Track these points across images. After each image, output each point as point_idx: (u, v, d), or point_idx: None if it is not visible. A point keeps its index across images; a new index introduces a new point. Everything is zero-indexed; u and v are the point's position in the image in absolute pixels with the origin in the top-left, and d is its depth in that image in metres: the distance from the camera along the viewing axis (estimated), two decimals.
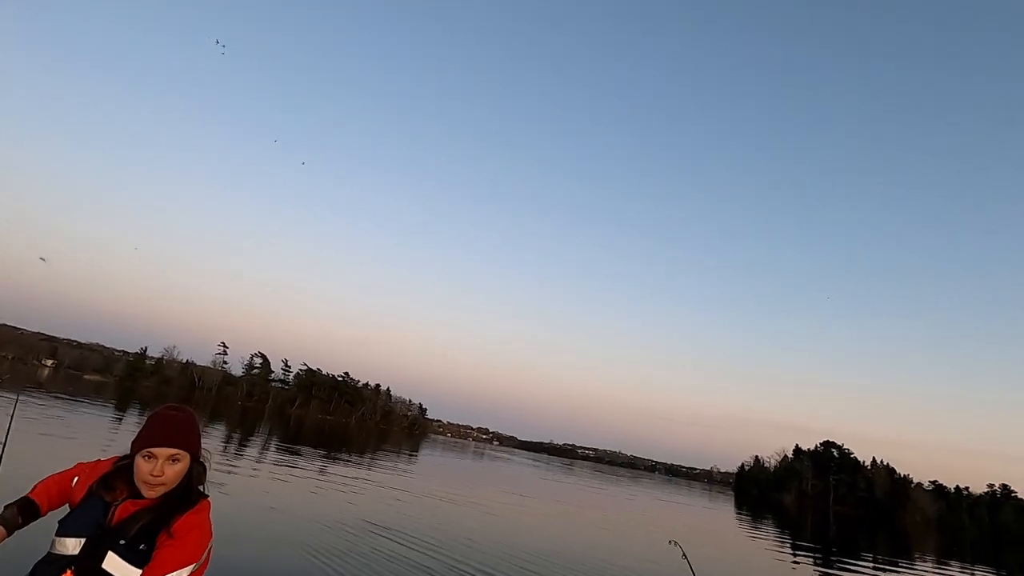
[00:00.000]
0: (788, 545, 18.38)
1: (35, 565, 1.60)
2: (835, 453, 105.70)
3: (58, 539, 1.60)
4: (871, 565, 16.36)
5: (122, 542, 1.59)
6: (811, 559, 14.98)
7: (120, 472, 1.69)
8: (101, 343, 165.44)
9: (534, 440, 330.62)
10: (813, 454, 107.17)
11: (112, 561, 1.58)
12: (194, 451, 1.76)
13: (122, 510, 1.64)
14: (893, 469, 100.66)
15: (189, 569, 1.63)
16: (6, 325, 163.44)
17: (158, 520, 1.64)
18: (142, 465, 1.65)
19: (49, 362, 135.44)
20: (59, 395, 29.24)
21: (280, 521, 8.31)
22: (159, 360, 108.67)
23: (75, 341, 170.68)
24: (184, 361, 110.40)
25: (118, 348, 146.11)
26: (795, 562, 13.86)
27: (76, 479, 1.73)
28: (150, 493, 1.66)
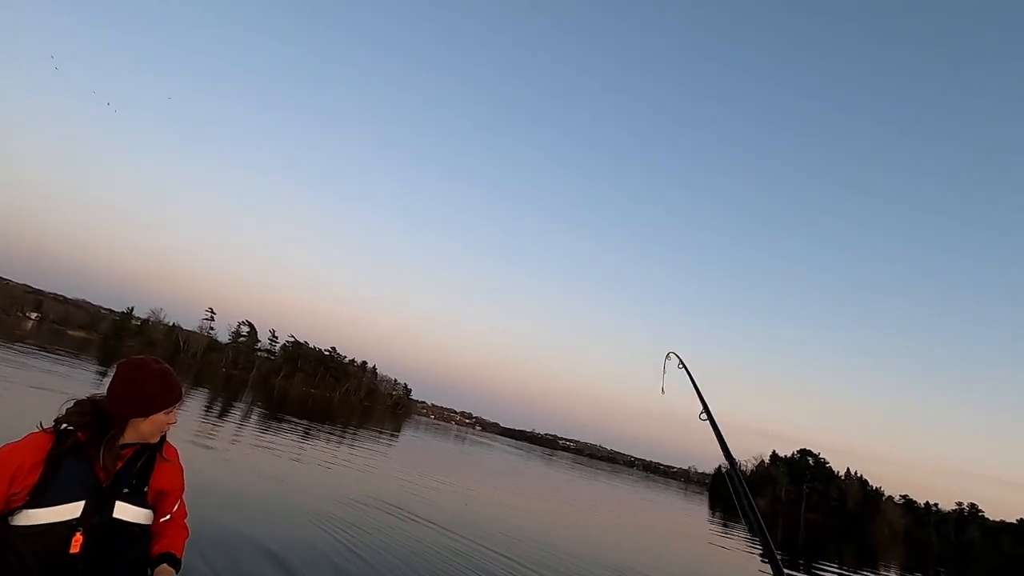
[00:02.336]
0: (757, 548, 18.64)
1: (14, 546, 1.56)
2: (811, 462, 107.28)
3: (43, 510, 1.60)
4: (836, 572, 16.65)
5: (126, 490, 1.78)
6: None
7: (97, 432, 1.75)
8: (87, 299, 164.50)
9: (516, 428, 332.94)
10: (789, 461, 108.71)
11: (123, 509, 1.76)
12: None
13: (114, 464, 1.77)
14: (866, 481, 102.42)
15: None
16: None
17: (150, 460, 1.89)
18: (162, 419, 1.86)
19: (33, 315, 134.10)
20: (44, 348, 28.97)
21: (280, 491, 8.31)
22: (145, 321, 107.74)
23: (61, 296, 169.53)
24: (170, 324, 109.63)
25: (104, 306, 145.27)
26: (762, 568, 14.04)
27: (8, 480, 1.59)
28: (155, 439, 1.89)
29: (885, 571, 21.22)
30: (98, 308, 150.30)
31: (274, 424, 19.89)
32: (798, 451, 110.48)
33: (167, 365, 1.91)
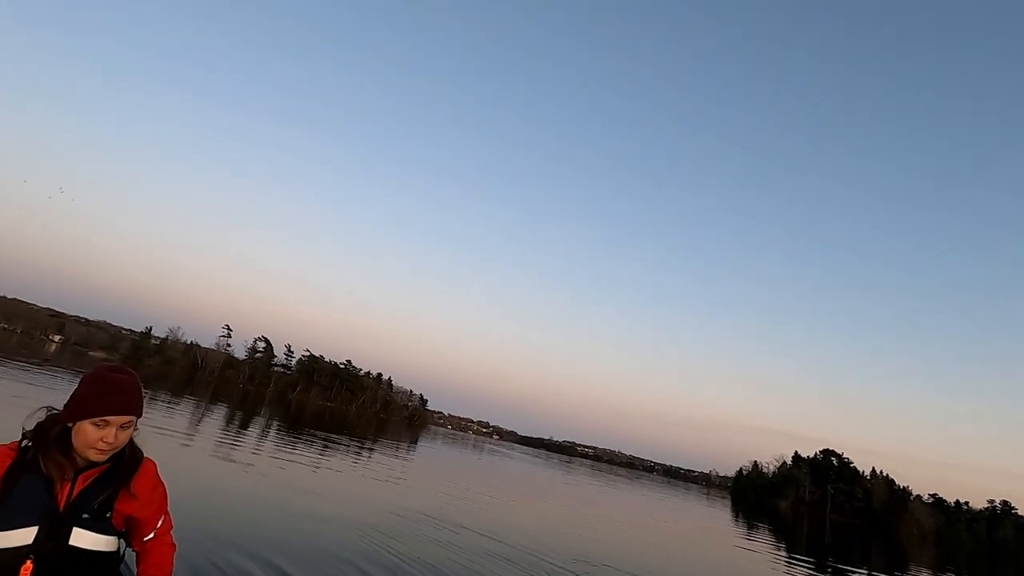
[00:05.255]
0: (782, 550, 18.34)
1: None
2: (834, 462, 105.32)
3: None
4: (866, 575, 16.32)
5: (85, 516, 1.60)
6: (804, 566, 14.94)
7: (55, 446, 1.60)
8: (108, 321, 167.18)
9: (534, 436, 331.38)
10: (812, 462, 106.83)
11: (81, 536, 1.58)
12: (141, 415, 1.75)
13: (74, 484, 1.61)
14: (892, 480, 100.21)
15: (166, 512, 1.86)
16: (17, 300, 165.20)
17: (117, 484, 1.67)
18: (91, 432, 1.60)
19: (56, 338, 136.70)
20: (65, 369, 29.52)
21: (316, 503, 8.38)
22: (163, 340, 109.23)
23: (83, 318, 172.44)
24: (188, 342, 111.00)
25: (124, 327, 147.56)
26: (787, 569, 13.82)
27: None
28: (99, 458, 1.64)
29: (916, 572, 20.75)
30: (118, 329, 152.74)
31: (294, 438, 20.04)
32: (821, 451, 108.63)
33: (124, 375, 1.70)
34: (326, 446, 19.69)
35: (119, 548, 1.73)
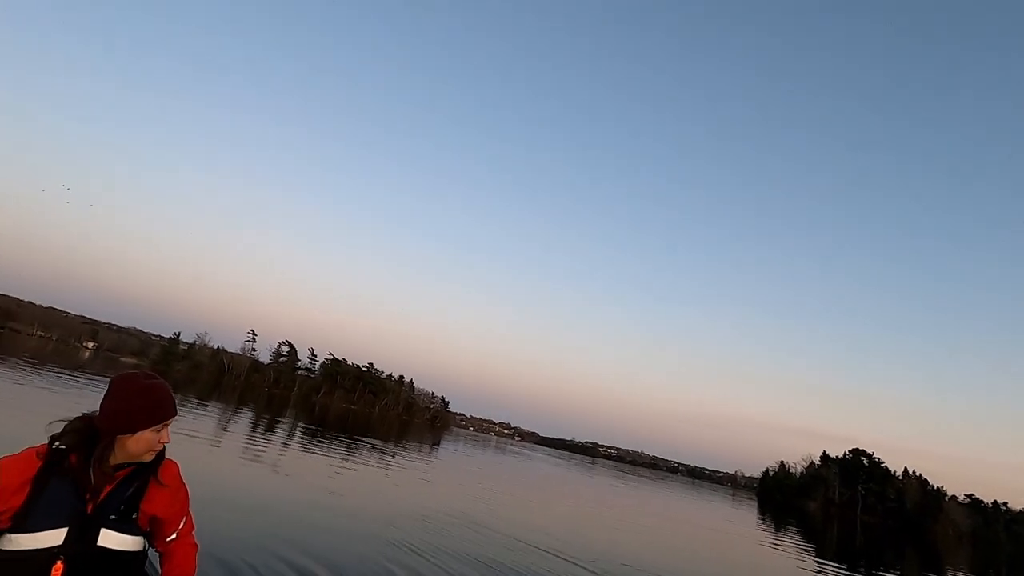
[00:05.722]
0: (812, 553, 17.98)
1: None
2: (864, 461, 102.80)
3: (25, 536, 1.55)
4: None
5: (112, 517, 1.67)
6: (835, 569, 14.61)
7: (105, 453, 1.68)
8: (138, 327, 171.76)
9: (556, 437, 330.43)
10: (841, 461, 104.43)
11: (108, 537, 1.66)
12: None
13: (102, 487, 1.68)
14: (926, 480, 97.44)
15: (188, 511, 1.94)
16: (52, 308, 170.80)
17: (142, 485, 1.76)
18: (151, 436, 1.73)
19: (90, 344, 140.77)
20: (99, 375, 30.38)
21: (344, 504, 8.54)
22: (191, 345, 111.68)
23: (114, 325, 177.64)
24: (215, 347, 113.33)
25: (154, 333, 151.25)
26: (818, 572, 13.54)
27: None
28: (150, 458, 1.77)
29: (952, 575, 20.14)
30: (148, 335, 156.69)
31: (319, 441, 20.32)
32: (850, 451, 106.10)
33: (160, 380, 1.81)
34: (350, 448, 19.92)
35: (144, 548, 1.79)
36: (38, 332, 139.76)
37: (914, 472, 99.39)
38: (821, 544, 22.86)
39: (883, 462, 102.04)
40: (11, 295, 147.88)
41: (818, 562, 15.57)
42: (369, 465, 15.84)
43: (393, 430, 47.88)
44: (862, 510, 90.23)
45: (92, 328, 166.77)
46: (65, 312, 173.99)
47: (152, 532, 1.83)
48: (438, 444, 41.63)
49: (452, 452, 35.34)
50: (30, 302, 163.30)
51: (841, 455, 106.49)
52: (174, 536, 1.86)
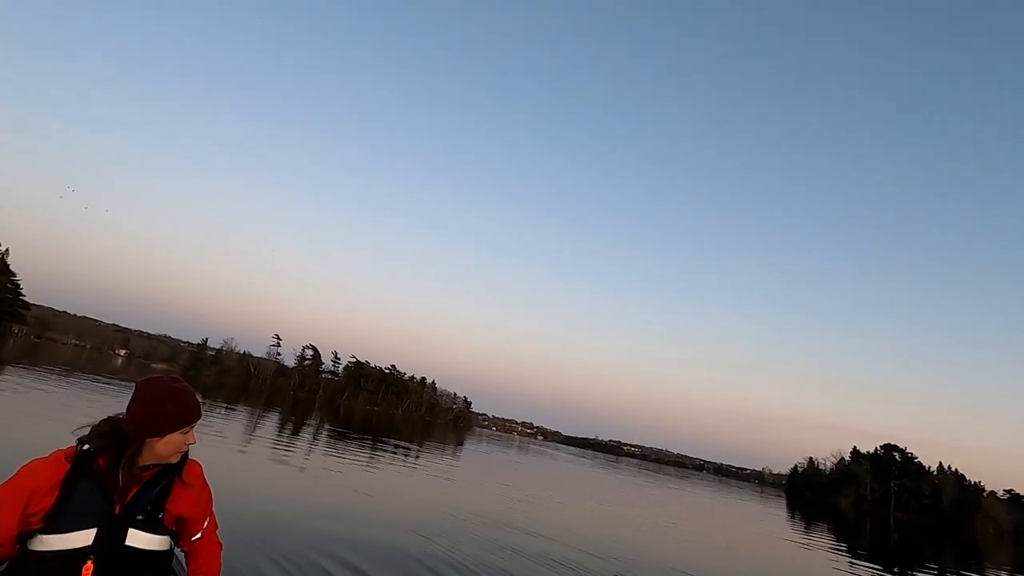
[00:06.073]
0: (844, 551, 17.59)
1: (29, 572, 1.58)
2: (896, 457, 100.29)
3: (56, 536, 1.59)
4: (937, 574, 15.46)
5: (139, 517, 1.73)
6: (870, 568, 14.27)
7: (115, 453, 1.70)
8: (168, 334, 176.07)
9: (579, 436, 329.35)
10: (872, 457, 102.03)
11: (136, 537, 1.71)
12: None
13: (130, 488, 1.73)
14: (963, 476, 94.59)
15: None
16: (86, 317, 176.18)
17: (168, 485, 1.82)
18: (179, 438, 1.78)
19: (122, 352, 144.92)
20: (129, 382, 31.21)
21: (373, 504, 8.69)
22: (219, 351, 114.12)
23: (145, 332, 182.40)
24: (241, 352, 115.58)
25: (183, 339, 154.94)
26: (850, 570, 13.24)
27: (24, 503, 1.60)
28: (176, 459, 1.83)
29: (995, 573, 19.49)
30: (177, 341, 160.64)
31: (345, 442, 20.57)
32: (881, 446, 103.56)
33: (185, 383, 1.85)
34: (375, 449, 20.11)
35: (171, 547, 1.84)
36: (73, 341, 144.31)
37: (950, 467, 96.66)
38: (854, 542, 22.35)
39: (916, 457, 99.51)
40: (47, 305, 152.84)
41: (851, 561, 15.22)
42: (394, 465, 15.98)
43: (417, 431, 48.22)
44: (895, 507, 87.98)
45: (124, 336, 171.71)
46: (98, 321, 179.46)
47: (178, 531, 1.88)
48: (461, 444, 41.81)
49: (476, 452, 35.46)
50: (65, 312, 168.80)
51: (872, 451, 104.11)
52: (199, 535, 1.91)
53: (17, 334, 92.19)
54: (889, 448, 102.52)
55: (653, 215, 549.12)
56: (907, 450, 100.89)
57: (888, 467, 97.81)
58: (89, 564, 1.61)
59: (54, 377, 22.80)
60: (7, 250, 63.08)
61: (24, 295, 70.33)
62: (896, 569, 15.21)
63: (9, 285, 64.01)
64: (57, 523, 1.60)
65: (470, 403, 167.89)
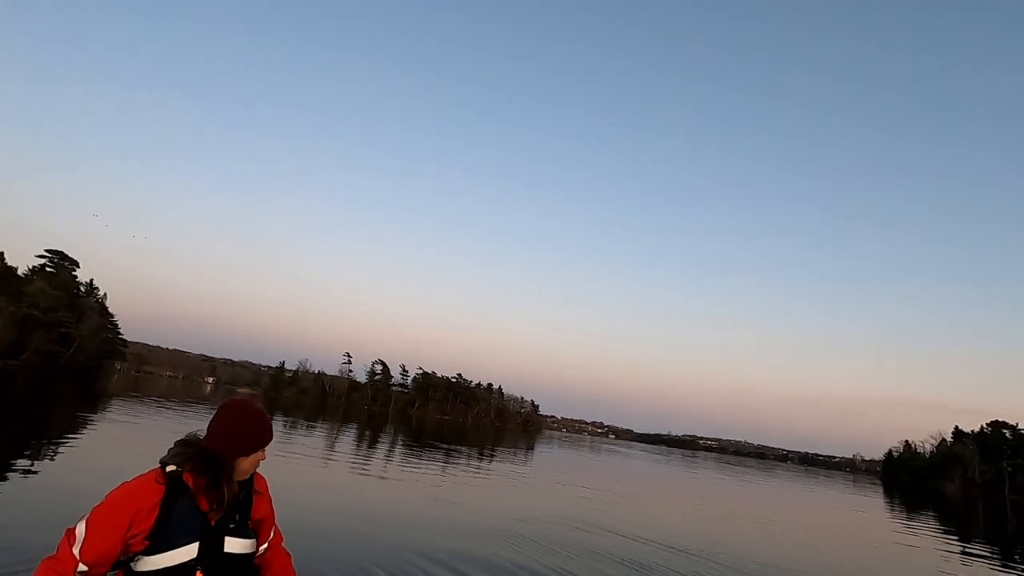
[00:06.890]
0: (954, 539, 16.26)
1: None
2: (1007, 434, 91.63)
3: (163, 555, 1.75)
4: None
5: (232, 525, 1.95)
6: (986, 557, 13.12)
7: (204, 471, 1.88)
8: (250, 360, 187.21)
9: (651, 432, 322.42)
10: (978, 436, 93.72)
11: (232, 543, 1.93)
12: None
13: (230, 502, 1.96)
14: None
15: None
16: (177, 349, 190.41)
17: (248, 494, 2.07)
18: (260, 456, 2.04)
19: (210, 379, 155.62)
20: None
21: (456, 511, 8.95)
22: (295, 372, 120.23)
23: (230, 360, 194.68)
24: (316, 372, 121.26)
25: (263, 363, 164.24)
26: (964, 560, 12.23)
27: (128, 523, 1.73)
28: (247, 475, 2.04)
29: None
30: (259, 366, 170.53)
31: (419, 451, 21.12)
32: (988, 424, 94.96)
33: (259, 405, 2.09)
34: (449, 456, 20.52)
35: (256, 548, 2.09)
36: (167, 372, 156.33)
37: None
38: (964, 528, 20.62)
39: None
40: (142, 341, 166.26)
41: (963, 547, 14.06)
42: (470, 472, 16.23)
43: (488, 437, 48.74)
44: (1011, 490, 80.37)
45: (211, 364, 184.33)
46: (187, 352, 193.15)
47: (256, 533, 2.13)
48: (532, 448, 41.87)
49: (548, 454, 35.42)
50: (158, 346, 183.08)
51: (978, 429, 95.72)
52: (266, 545, 2.18)
53: (120, 370, 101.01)
54: (997, 425, 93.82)
55: (714, 202, 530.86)
56: (1018, 426, 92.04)
57: (998, 446, 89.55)
58: (198, 574, 1.80)
59: (154, 406, 24.77)
60: (105, 294, 68.99)
61: (122, 334, 76.61)
62: (1018, 555, 13.90)
63: (109, 326, 70.00)
64: (163, 541, 1.76)
65: (538, 406, 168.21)
